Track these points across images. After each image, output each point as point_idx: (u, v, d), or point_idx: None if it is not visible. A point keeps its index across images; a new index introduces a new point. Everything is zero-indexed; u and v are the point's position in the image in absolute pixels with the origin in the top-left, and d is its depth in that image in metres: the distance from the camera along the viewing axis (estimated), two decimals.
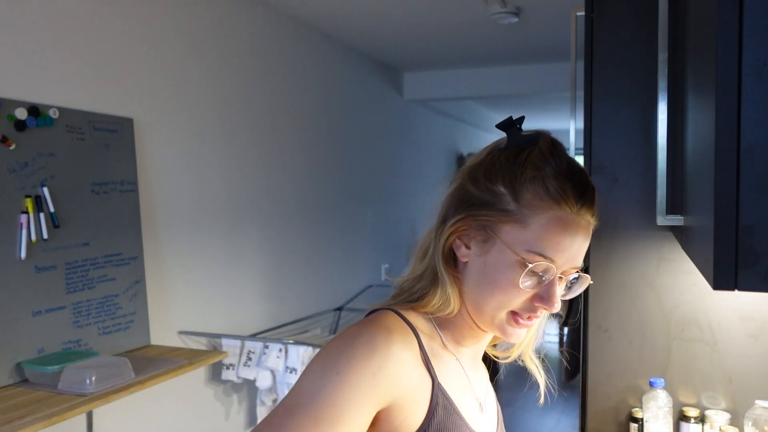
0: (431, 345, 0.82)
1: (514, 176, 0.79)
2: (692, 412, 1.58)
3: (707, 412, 1.58)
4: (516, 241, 0.77)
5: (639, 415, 1.61)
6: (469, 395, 0.88)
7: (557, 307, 0.79)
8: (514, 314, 0.80)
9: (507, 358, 0.96)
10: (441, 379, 0.81)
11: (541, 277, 0.78)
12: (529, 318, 0.81)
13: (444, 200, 0.85)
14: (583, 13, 1.76)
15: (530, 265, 0.76)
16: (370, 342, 0.76)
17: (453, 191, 0.85)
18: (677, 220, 1.31)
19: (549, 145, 0.81)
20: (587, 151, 1.73)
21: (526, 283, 0.78)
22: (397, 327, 0.79)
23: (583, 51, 1.75)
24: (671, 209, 1.36)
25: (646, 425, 1.58)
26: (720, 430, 1.54)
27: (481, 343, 0.91)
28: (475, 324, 0.85)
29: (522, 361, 0.96)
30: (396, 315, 0.82)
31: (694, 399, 1.63)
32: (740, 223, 0.74)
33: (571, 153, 1.91)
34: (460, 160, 6.28)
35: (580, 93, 1.83)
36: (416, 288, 0.85)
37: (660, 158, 1.36)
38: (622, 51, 1.67)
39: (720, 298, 1.60)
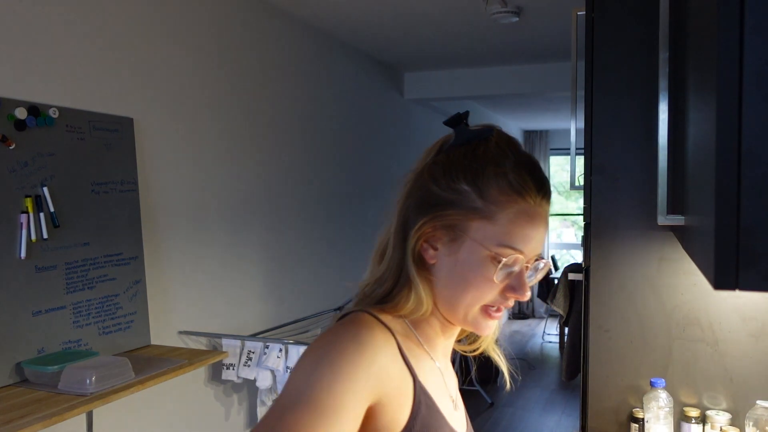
0: (408, 344, 0.83)
1: (476, 173, 0.80)
2: (693, 412, 1.58)
3: (708, 413, 1.58)
4: (486, 237, 0.79)
5: (640, 415, 1.61)
6: (445, 393, 0.88)
7: (528, 295, 0.81)
8: (486, 307, 0.82)
9: (474, 351, 0.97)
10: (420, 377, 0.82)
11: (512, 268, 0.80)
12: (499, 309, 0.83)
13: (401, 202, 0.84)
14: (583, 13, 1.76)
15: (504, 259, 0.78)
16: (356, 337, 0.76)
17: (411, 192, 0.83)
18: (678, 220, 1.31)
19: (505, 140, 0.83)
20: (588, 151, 1.73)
21: (500, 277, 0.79)
22: (376, 326, 0.79)
23: (583, 50, 1.75)
24: (672, 209, 1.36)
25: (646, 425, 1.57)
26: (721, 430, 1.54)
27: (452, 340, 0.92)
28: (447, 321, 0.86)
29: (485, 352, 0.97)
30: (370, 316, 0.81)
31: (695, 399, 1.63)
32: (741, 223, 0.74)
33: (572, 153, 1.91)
34: None
35: (581, 93, 1.83)
36: (379, 292, 0.84)
37: (661, 158, 1.35)
38: (622, 50, 1.67)
39: (721, 298, 1.60)
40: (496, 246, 0.78)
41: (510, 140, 0.84)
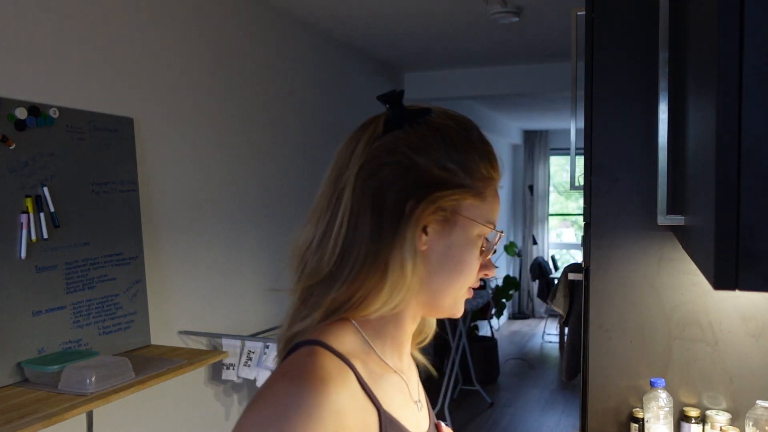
0: (368, 368, 0.76)
1: (458, 151, 0.76)
2: (693, 412, 1.58)
3: (708, 412, 1.58)
4: (478, 215, 0.77)
5: (640, 415, 1.61)
6: (409, 402, 0.83)
7: (495, 271, 0.81)
8: (469, 288, 0.81)
9: (422, 342, 0.92)
10: (384, 403, 0.75)
11: (496, 245, 0.80)
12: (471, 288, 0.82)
13: (367, 189, 0.74)
14: (583, 13, 1.76)
15: (498, 236, 0.79)
16: (304, 407, 0.65)
17: (391, 178, 0.74)
18: (678, 219, 1.31)
19: (462, 118, 0.81)
20: (588, 151, 1.73)
21: (488, 254, 0.79)
22: (330, 370, 0.70)
23: (583, 50, 1.75)
24: (672, 209, 1.36)
25: (646, 425, 1.58)
26: (721, 430, 1.54)
27: (410, 338, 0.86)
28: (417, 313, 0.81)
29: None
30: (325, 350, 0.72)
31: (695, 399, 1.63)
32: (741, 223, 0.74)
33: (572, 153, 1.91)
34: None
35: (581, 93, 1.83)
36: (342, 292, 0.75)
37: (661, 158, 1.35)
38: (622, 50, 1.67)
39: (721, 298, 1.60)
40: (485, 223, 0.77)
41: (467, 119, 0.81)
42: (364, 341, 0.77)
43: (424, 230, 0.75)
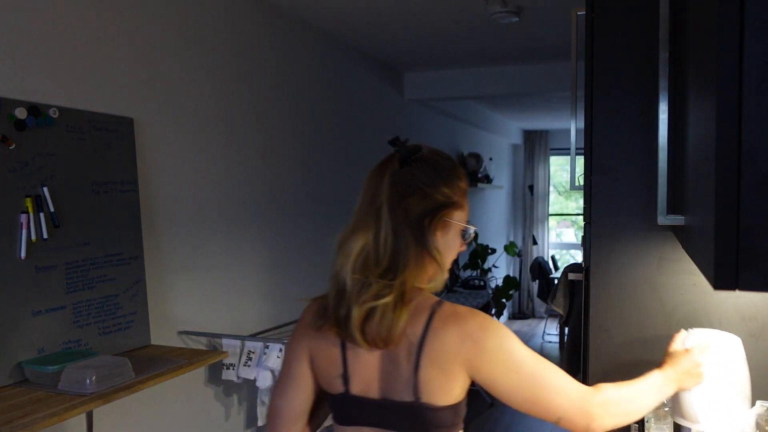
0: None
1: (446, 178, 1.18)
2: None
3: None
4: (461, 219, 1.20)
5: None
6: None
7: (465, 246, 1.26)
8: None
9: None
10: None
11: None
12: None
13: (401, 212, 1.15)
14: (583, 13, 1.76)
15: (471, 231, 1.23)
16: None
17: (414, 205, 1.15)
18: (678, 219, 1.31)
19: (443, 152, 1.23)
20: (588, 150, 1.73)
21: (468, 240, 1.24)
22: None
23: (583, 50, 1.75)
24: (672, 209, 1.36)
25: (646, 425, 1.57)
26: None
27: None
28: None
29: None
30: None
31: None
32: (741, 223, 0.74)
33: (572, 153, 1.91)
34: (461, 159, 6.27)
35: (581, 93, 1.83)
36: (419, 277, 1.17)
37: (661, 158, 1.35)
38: (622, 50, 1.67)
39: (721, 298, 1.60)
40: (464, 223, 1.21)
41: (444, 152, 1.22)
42: None
43: (436, 234, 1.18)
